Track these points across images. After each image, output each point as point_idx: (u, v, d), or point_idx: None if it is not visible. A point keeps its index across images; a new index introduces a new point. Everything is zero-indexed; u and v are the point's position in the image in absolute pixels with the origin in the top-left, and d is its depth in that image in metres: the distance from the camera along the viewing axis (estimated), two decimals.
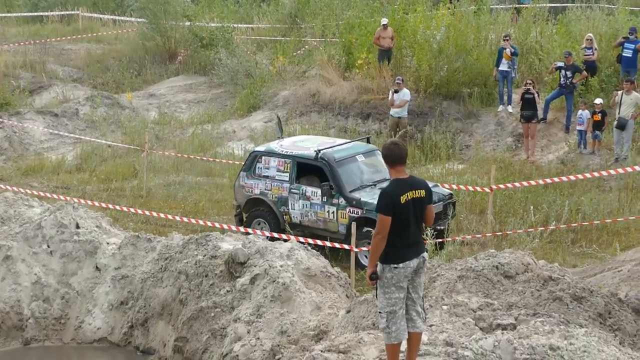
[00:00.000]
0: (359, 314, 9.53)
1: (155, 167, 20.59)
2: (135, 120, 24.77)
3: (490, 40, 24.29)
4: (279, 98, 25.27)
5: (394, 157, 7.62)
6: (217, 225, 15.66)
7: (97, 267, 12.52)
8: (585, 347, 7.98)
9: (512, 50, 21.95)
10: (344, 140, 16.80)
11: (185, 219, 16.29)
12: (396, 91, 21.16)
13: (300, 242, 13.04)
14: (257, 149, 16.59)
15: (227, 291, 11.09)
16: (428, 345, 8.10)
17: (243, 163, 16.81)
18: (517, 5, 29.35)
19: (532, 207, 16.00)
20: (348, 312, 9.82)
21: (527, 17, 25.77)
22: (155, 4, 30.80)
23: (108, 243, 12.79)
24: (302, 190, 15.37)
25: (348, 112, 23.60)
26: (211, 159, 20.61)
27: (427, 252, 7.78)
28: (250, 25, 34.83)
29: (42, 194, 17.40)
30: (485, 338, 8.25)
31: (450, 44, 23.14)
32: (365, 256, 13.80)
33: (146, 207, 17.62)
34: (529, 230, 14.99)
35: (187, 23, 31.12)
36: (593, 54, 21.53)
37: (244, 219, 15.95)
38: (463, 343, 8.11)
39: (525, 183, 16.75)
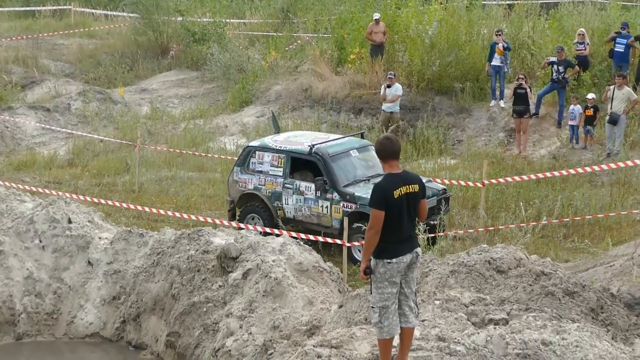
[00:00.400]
0: (351, 309, 9.53)
1: (148, 162, 20.57)
2: (127, 115, 24.75)
3: (483, 35, 24.25)
4: (271, 93, 25.23)
5: (387, 151, 7.61)
6: (209, 220, 15.64)
7: (89, 262, 12.50)
8: (578, 342, 8.00)
9: (505, 45, 21.93)
10: (338, 136, 16.79)
11: (177, 214, 16.29)
12: (388, 86, 21.14)
13: (292, 237, 13.06)
14: (251, 144, 16.56)
15: (220, 286, 11.09)
16: (420, 340, 8.10)
17: (236, 158, 16.79)
18: (509, 2, 29.30)
19: (523, 202, 15.99)
20: (340, 307, 9.82)
21: (520, 12, 25.79)
22: None
23: (100, 238, 12.77)
24: (296, 185, 15.36)
25: (340, 107, 23.56)
26: (203, 154, 20.59)
27: (420, 247, 7.77)
28: (242, 20, 34.78)
29: (34, 188, 17.38)
30: (478, 333, 8.26)
31: (443, 38, 23.08)
32: (359, 250, 13.82)
33: (138, 202, 17.64)
34: (521, 225, 15.00)
35: (180, 18, 31.09)
36: (585, 49, 21.53)
37: (238, 214, 15.95)
38: (455, 338, 8.12)
39: (517, 178, 16.74)
